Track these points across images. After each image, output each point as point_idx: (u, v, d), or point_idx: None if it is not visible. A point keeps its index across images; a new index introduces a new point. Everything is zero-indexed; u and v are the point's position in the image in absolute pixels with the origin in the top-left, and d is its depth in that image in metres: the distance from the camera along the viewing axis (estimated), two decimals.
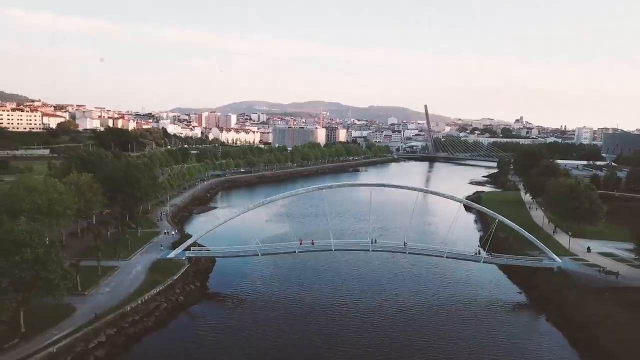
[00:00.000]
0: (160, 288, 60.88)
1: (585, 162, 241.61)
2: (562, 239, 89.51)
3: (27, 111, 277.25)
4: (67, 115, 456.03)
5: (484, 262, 72.49)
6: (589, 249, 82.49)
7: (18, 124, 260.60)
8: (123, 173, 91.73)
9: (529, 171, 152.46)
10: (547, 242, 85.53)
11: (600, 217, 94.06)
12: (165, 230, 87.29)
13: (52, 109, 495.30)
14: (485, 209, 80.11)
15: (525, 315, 64.07)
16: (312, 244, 72.94)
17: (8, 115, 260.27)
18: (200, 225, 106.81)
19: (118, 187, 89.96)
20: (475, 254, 73.83)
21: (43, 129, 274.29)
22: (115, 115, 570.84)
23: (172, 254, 71.59)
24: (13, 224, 44.64)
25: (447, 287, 71.72)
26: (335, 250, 73.34)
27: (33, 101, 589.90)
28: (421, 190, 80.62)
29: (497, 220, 73.55)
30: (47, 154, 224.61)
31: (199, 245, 75.02)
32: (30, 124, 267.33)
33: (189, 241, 72.80)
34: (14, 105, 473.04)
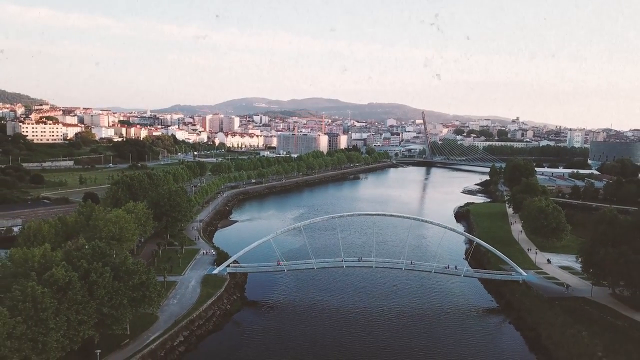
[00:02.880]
0: (213, 299, 79.06)
1: (570, 171, 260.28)
2: (533, 253, 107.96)
3: (49, 123, 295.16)
4: (75, 119, 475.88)
5: (464, 275, 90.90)
6: (549, 261, 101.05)
7: (42, 135, 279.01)
8: (167, 199, 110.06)
9: (513, 187, 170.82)
10: (519, 255, 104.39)
11: (565, 235, 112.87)
12: (204, 251, 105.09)
13: (61, 112, 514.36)
14: (466, 233, 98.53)
15: (495, 319, 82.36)
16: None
17: (33, 127, 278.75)
18: (227, 241, 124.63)
19: (164, 211, 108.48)
20: (446, 267, 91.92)
21: (64, 139, 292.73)
22: (122, 118, 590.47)
23: (216, 271, 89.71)
24: (125, 257, 62.83)
25: (435, 295, 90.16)
26: (346, 267, 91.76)
27: (42, 104, 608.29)
28: (415, 219, 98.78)
29: (474, 243, 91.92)
30: (72, 165, 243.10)
31: (235, 261, 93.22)
32: (53, 135, 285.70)
33: (230, 260, 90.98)
34: (22, 107, 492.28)
